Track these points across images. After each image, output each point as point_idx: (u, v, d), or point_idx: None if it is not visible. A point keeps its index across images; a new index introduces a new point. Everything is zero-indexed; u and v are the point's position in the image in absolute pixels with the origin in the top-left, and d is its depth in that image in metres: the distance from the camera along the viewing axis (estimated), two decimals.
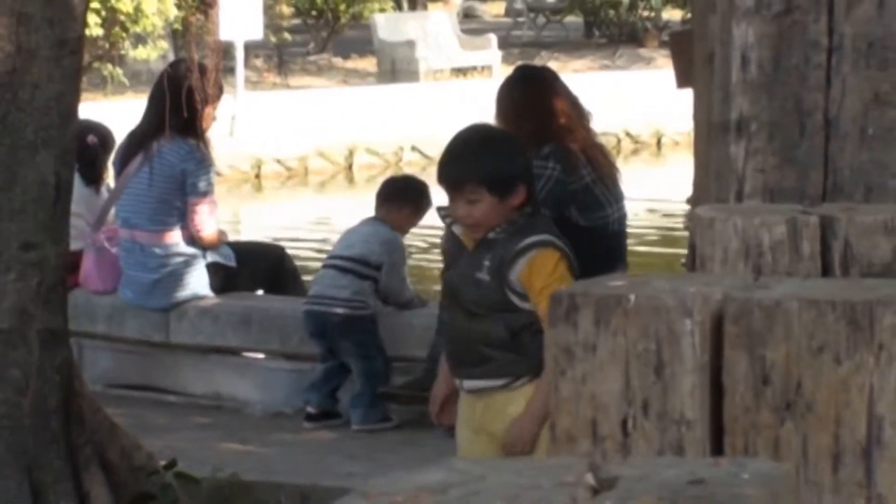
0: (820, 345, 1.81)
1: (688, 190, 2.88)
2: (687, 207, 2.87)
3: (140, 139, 7.12)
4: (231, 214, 12.83)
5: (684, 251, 5.07)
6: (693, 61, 2.67)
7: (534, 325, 4.18)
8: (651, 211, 11.66)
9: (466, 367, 4.41)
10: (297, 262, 8.66)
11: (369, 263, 6.93)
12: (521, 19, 28.47)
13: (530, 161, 4.68)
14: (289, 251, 8.57)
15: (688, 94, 2.94)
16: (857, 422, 1.83)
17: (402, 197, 7.17)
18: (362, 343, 6.88)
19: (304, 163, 17.62)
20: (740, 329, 1.83)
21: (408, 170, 15.39)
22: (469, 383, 4.42)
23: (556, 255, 4.25)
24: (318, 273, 7.58)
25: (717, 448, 1.84)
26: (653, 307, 1.86)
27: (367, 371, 6.88)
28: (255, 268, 7.69)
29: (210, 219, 7.27)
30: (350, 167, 18.00)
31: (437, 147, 16.73)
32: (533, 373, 4.17)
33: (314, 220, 15.15)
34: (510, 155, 4.46)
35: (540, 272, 4.19)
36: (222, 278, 7.39)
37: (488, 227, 4.28)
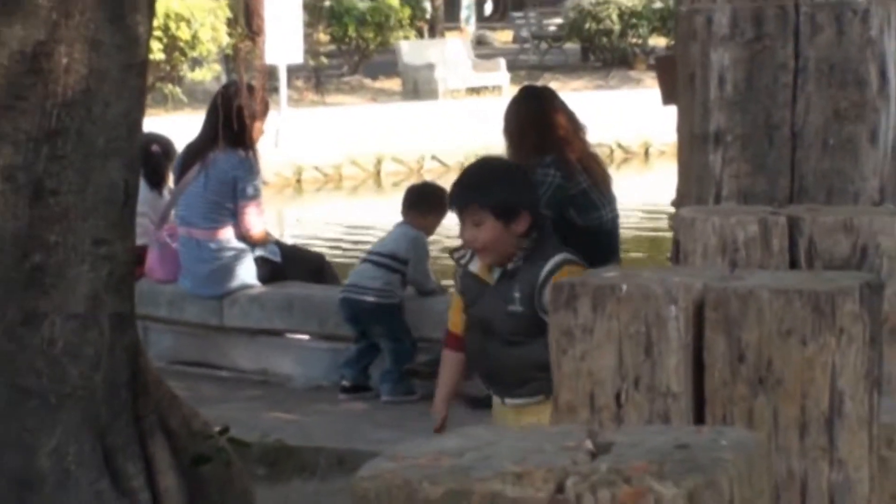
0: (788, 328, 1.93)
1: (672, 194, 3.03)
2: (671, 209, 2.99)
3: (197, 150, 7.79)
4: (276, 215, 14.32)
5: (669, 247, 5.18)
6: (676, 82, 2.81)
7: None
8: (641, 212, 12.27)
9: (508, 388, 4.55)
10: (332, 252, 9.09)
11: (398, 258, 7.53)
12: (526, 45, 31.03)
13: (535, 190, 4.95)
14: (324, 244, 9.04)
15: (672, 110, 3.05)
16: (821, 395, 1.93)
17: (424, 203, 7.66)
18: (391, 327, 7.49)
19: (338, 170, 19.44)
20: (719, 314, 1.94)
21: (428, 176, 16.36)
22: (511, 401, 4.57)
23: (578, 269, 4.36)
24: (355, 266, 8.37)
25: (699, 417, 1.95)
26: (642, 295, 1.95)
27: (396, 351, 7.49)
28: (298, 274, 8.28)
29: (258, 219, 7.94)
30: (378, 173, 19.79)
31: (454, 157, 18.31)
32: None
33: (347, 219, 16.57)
34: (514, 182, 4.65)
35: None
36: (268, 271, 8.07)
37: (496, 253, 4.44)
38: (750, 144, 2.70)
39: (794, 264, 2.31)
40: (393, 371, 7.51)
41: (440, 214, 7.47)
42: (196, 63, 20.65)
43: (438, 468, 1.45)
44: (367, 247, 8.95)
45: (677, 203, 2.85)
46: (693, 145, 2.78)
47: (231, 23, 19.35)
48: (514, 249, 4.44)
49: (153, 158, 7.96)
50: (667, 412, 1.94)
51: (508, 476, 1.41)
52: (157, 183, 8.21)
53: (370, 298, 7.47)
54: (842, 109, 2.65)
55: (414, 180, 12.40)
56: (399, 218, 7.81)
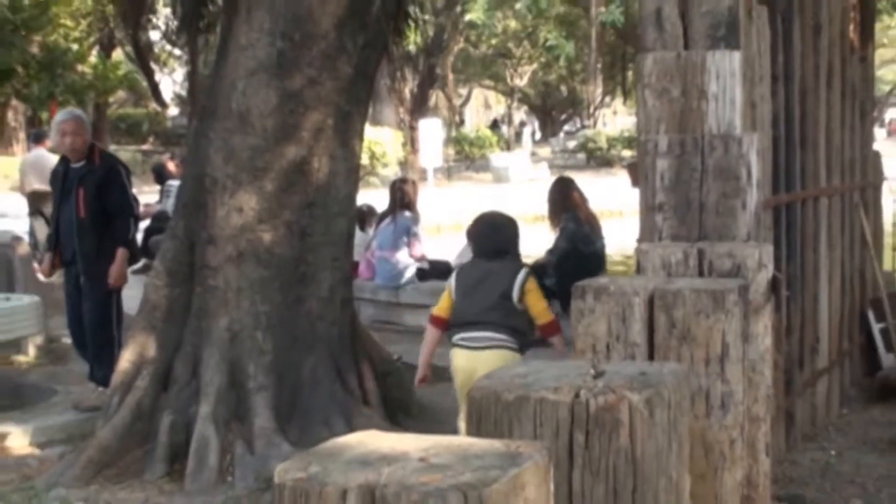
0: (699, 309, 2.81)
1: (636, 236, 4.17)
2: (636, 244, 4.12)
3: (386, 212, 12.52)
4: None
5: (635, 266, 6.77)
6: (638, 176, 4.02)
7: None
8: (619, 247, 14.47)
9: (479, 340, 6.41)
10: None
11: None
12: (557, 155, 46.61)
13: (478, 234, 6.78)
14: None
15: (636, 191, 4.21)
16: (716, 345, 2.81)
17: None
18: None
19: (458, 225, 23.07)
20: (661, 301, 2.84)
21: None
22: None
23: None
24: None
25: (651, 358, 2.82)
26: (620, 291, 2.87)
27: None
28: (435, 276, 12.21)
29: (419, 247, 12.43)
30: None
31: (518, 212, 19.91)
32: None
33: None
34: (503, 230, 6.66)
35: None
36: (421, 274, 12.35)
37: None
38: (677, 211, 3.86)
39: (701, 275, 3.34)
40: None
41: None
42: (383, 166, 31.79)
43: (512, 384, 2.16)
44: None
45: (639, 241, 4.04)
46: (647, 210, 3.96)
47: (403, 145, 33.22)
48: None
49: (363, 215, 12.53)
50: (633, 355, 2.80)
51: (550, 389, 2.11)
52: (363, 228, 12.57)
53: None
54: (727, 191, 3.80)
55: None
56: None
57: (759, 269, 3.23)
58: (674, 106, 3.92)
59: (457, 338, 6.26)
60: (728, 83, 3.90)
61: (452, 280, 6.53)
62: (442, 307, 6.56)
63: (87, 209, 8.32)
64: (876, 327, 9.00)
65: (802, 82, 6.98)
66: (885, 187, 10.06)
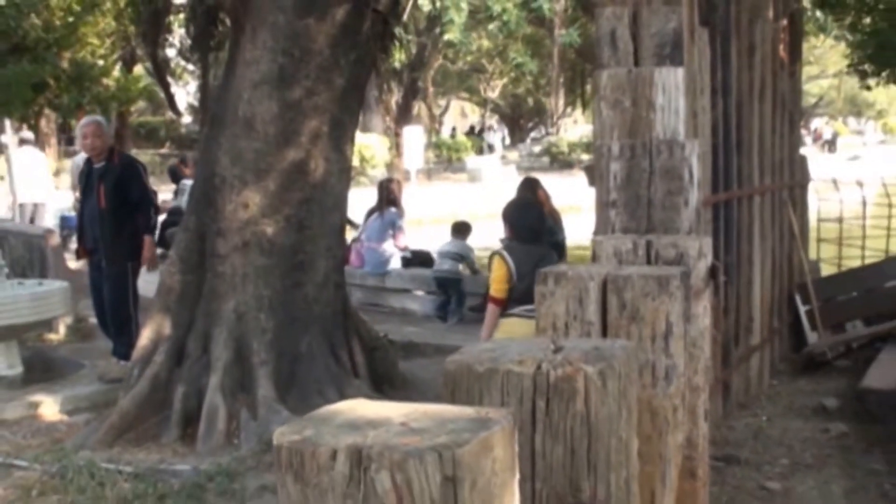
0: (646, 292, 2.76)
1: (592, 229, 4.11)
2: (592, 236, 4.09)
3: (374, 208, 12.62)
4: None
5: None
6: (595, 177, 3.94)
7: None
8: (578, 239, 14.55)
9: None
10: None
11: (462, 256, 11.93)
12: (524, 158, 45.33)
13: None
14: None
15: (592, 189, 4.13)
16: (661, 324, 2.77)
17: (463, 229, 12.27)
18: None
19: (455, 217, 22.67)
20: (613, 285, 2.78)
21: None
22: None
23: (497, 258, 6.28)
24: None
25: (604, 335, 2.77)
26: (578, 276, 2.81)
27: (459, 301, 11.73)
28: (417, 263, 12.61)
29: (403, 238, 12.52)
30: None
31: (486, 209, 19.88)
32: None
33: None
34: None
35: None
36: (405, 262, 12.55)
37: None
38: (628, 207, 3.82)
39: (648, 262, 3.28)
40: (458, 310, 11.65)
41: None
42: (372, 167, 31.53)
43: (483, 358, 2.16)
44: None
45: (595, 233, 3.96)
46: (601, 206, 3.92)
47: (389, 149, 33.06)
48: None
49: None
50: (589, 332, 2.76)
51: (515, 362, 2.11)
52: (352, 223, 11.99)
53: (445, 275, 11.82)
54: (671, 190, 3.76)
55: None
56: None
57: (700, 258, 3.24)
58: (625, 115, 3.92)
59: (519, 309, 6.07)
60: (673, 95, 3.91)
61: (512, 265, 6.22)
62: (500, 290, 6.27)
63: (107, 201, 8.36)
64: (802, 309, 9.05)
65: (738, 95, 7.00)
66: (811, 187, 10.10)
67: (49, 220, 17.28)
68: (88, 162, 8.76)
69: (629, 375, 2.22)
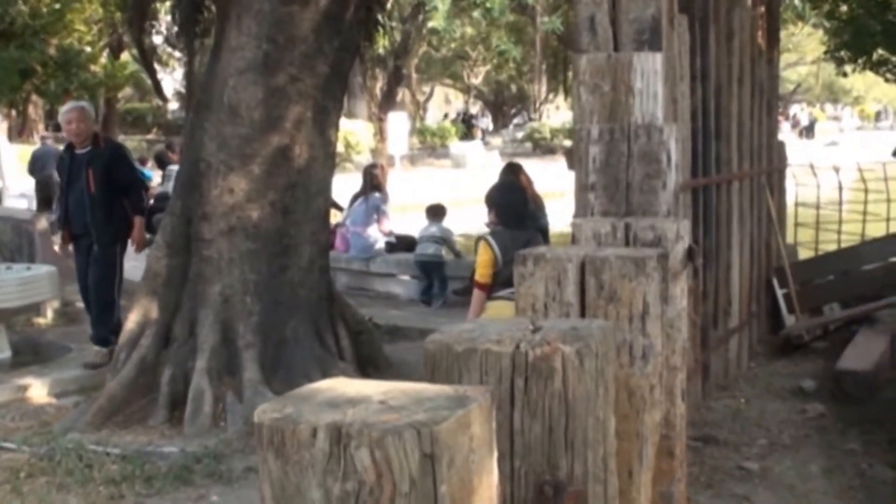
0: (623, 273, 2.76)
1: (572, 212, 4.10)
2: (572, 219, 4.08)
3: (359, 194, 12.52)
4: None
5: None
6: (574, 160, 3.93)
7: None
8: (559, 223, 14.72)
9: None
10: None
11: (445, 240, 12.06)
12: (507, 143, 46.03)
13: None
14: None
15: (572, 173, 4.08)
16: (639, 304, 2.77)
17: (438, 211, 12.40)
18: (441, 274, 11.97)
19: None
20: (591, 267, 2.78)
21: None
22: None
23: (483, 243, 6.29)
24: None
25: (583, 315, 2.76)
26: (556, 258, 2.80)
27: (442, 285, 11.82)
28: (401, 248, 12.61)
29: (387, 223, 12.50)
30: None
31: (473, 193, 20.15)
32: None
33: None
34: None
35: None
36: (390, 247, 12.59)
37: None
38: (607, 190, 3.82)
39: (627, 245, 3.28)
40: (441, 294, 11.75)
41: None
42: (357, 153, 31.46)
43: (461, 337, 2.16)
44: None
45: (575, 216, 3.94)
46: (581, 189, 3.92)
47: (373, 135, 33.55)
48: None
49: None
50: (567, 313, 2.76)
51: (494, 341, 2.11)
52: (338, 208, 12.34)
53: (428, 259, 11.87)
54: (649, 173, 3.77)
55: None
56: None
57: (677, 241, 3.24)
58: (605, 99, 3.92)
59: (506, 292, 6.01)
60: (651, 80, 3.91)
61: (497, 251, 6.23)
62: (486, 275, 6.28)
63: (97, 186, 8.32)
64: (779, 292, 9.09)
65: (717, 81, 7.01)
66: (788, 172, 10.14)
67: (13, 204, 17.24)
68: (69, 148, 8.67)
69: (606, 355, 2.22)
